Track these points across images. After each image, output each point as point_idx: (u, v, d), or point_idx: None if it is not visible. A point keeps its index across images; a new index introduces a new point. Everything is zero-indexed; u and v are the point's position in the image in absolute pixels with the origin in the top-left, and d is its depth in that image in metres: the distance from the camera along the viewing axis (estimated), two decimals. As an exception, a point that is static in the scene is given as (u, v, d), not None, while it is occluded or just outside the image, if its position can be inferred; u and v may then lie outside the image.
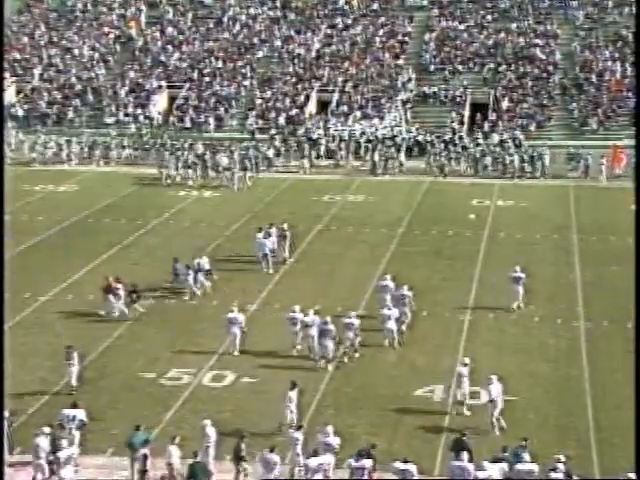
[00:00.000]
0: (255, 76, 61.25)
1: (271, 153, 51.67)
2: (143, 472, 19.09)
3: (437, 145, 51.90)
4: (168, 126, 57.60)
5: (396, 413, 22.55)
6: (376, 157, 50.53)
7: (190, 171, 48.02)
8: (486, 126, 54.76)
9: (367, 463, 18.34)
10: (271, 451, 18.82)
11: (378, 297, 28.50)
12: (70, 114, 58.67)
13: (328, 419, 22.10)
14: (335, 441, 19.31)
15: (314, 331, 25.47)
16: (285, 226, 34.99)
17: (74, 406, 20.60)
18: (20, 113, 58.94)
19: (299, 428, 20.06)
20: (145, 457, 19.09)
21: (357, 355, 25.78)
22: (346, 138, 53.38)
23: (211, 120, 57.32)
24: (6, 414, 19.51)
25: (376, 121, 55.27)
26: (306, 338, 25.74)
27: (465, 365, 22.96)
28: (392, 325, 26.36)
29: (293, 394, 21.46)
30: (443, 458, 19.74)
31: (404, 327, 27.09)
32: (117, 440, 20.59)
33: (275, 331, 27.64)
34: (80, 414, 20.39)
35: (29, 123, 58.01)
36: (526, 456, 18.43)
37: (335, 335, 25.22)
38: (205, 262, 31.68)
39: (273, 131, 54.98)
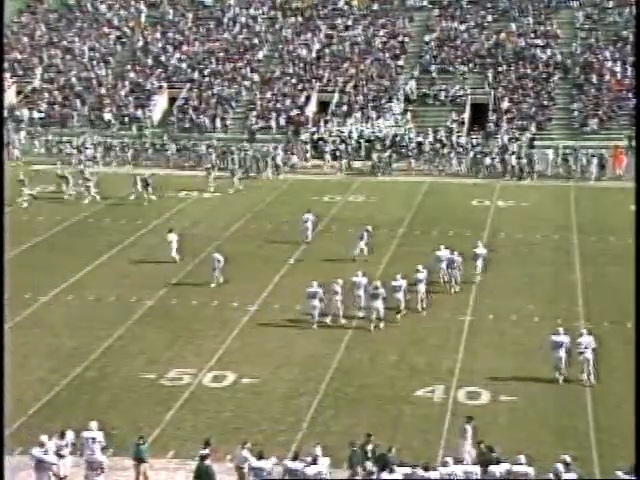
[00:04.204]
0: (255, 77, 61.24)
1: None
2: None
3: (435, 145, 52.09)
4: (168, 127, 57.71)
5: (396, 413, 22.58)
6: (374, 157, 50.69)
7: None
8: (490, 126, 54.75)
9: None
10: (259, 458, 18.45)
11: (433, 265, 31.08)
12: (107, 116, 58.65)
13: (328, 420, 22.20)
14: (325, 463, 18.33)
15: (317, 302, 27.82)
16: (369, 227, 35.56)
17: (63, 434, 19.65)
18: (36, 115, 59.19)
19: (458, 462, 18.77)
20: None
21: (403, 313, 28.60)
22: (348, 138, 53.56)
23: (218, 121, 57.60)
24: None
25: (380, 121, 55.37)
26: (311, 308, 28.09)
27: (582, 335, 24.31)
28: (422, 287, 29.37)
29: (469, 427, 19.94)
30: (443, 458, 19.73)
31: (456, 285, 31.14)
32: (117, 440, 20.59)
33: (275, 331, 27.72)
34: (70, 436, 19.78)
35: (48, 125, 58.20)
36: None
37: (385, 297, 27.77)
38: None
39: (305, 136, 54.87)
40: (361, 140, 53.41)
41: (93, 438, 19.39)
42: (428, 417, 22.37)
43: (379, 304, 27.77)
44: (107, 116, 58.55)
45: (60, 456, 18.99)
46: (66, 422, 21.06)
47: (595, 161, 49.03)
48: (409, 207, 43.07)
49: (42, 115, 59.18)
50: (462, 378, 24.43)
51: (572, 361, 24.21)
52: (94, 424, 19.68)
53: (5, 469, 17.14)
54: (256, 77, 61.13)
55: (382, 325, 27.70)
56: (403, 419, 22.31)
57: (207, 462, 18.53)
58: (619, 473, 17.84)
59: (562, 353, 24.12)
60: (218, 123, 57.40)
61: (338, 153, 51.95)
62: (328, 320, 28.09)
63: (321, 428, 21.73)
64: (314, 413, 22.55)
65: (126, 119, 58.52)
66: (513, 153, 50.41)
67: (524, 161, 49.67)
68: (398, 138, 53.39)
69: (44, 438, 18.91)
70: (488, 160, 50.33)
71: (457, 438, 20.00)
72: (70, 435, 19.45)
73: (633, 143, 49.72)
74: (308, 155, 52.80)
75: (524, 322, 28.52)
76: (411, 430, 21.59)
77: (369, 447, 18.95)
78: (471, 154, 51.16)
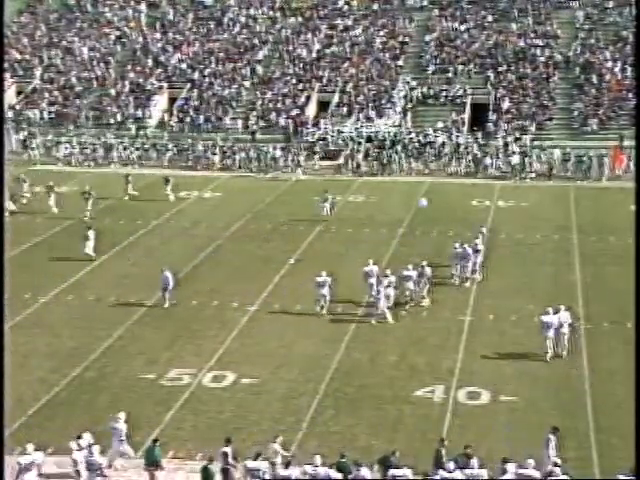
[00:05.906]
0: (256, 75, 61.23)
1: (278, 153, 51.79)
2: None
3: (436, 146, 52.17)
4: (167, 127, 57.72)
5: (396, 413, 22.58)
6: (359, 157, 51.07)
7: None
8: (490, 126, 54.76)
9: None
10: (255, 459, 18.50)
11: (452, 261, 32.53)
12: (110, 117, 58.67)
13: (328, 420, 22.20)
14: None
15: (326, 291, 28.88)
16: (484, 229, 35.72)
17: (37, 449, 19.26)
18: (47, 116, 59.25)
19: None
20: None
21: (427, 300, 29.93)
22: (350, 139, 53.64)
23: (239, 122, 57.53)
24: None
25: (380, 121, 55.33)
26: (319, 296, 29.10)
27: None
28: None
29: (553, 437, 19.57)
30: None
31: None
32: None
33: (275, 331, 27.72)
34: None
35: (57, 125, 58.27)
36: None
37: (396, 285, 29.12)
38: None
39: (311, 136, 54.85)
40: (361, 140, 53.39)
41: (115, 429, 19.82)
42: (428, 417, 22.37)
43: (390, 292, 28.77)
44: (110, 116, 58.54)
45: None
46: (66, 422, 21.14)
47: (604, 161, 49.03)
48: (409, 207, 43.02)
49: (53, 115, 59.21)
50: (462, 378, 24.44)
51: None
52: (122, 414, 20.04)
53: (5, 469, 17.14)
54: (257, 76, 61.09)
55: (388, 316, 28.45)
56: (403, 419, 22.31)
57: (214, 464, 18.61)
58: (620, 477, 17.79)
59: (551, 333, 25.49)
60: (221, 122, 57.43)
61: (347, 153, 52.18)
62: (392, 314, 28.77)
63: (321, 428, 21.75)
64: (314, 413, 22.56)
65: (126, 119, 58.54)
66: (514, 153, 50.42)
67: (528, 160, 49.72)
68: (398, 138, 53.41)
69: (73, 444, 19.04)
70: (488, 160, 50.36)
71: (542, 448, 19.42)
72: (87, 436, 19.45)
73: (624, 143, 49.72)
74: (317, 156, 52.78)
75: (524, 322, 28.50)
76: (411, 430, 21.59)
77: (443, 451, 18.87)
78: (471, 154, 51.19)
